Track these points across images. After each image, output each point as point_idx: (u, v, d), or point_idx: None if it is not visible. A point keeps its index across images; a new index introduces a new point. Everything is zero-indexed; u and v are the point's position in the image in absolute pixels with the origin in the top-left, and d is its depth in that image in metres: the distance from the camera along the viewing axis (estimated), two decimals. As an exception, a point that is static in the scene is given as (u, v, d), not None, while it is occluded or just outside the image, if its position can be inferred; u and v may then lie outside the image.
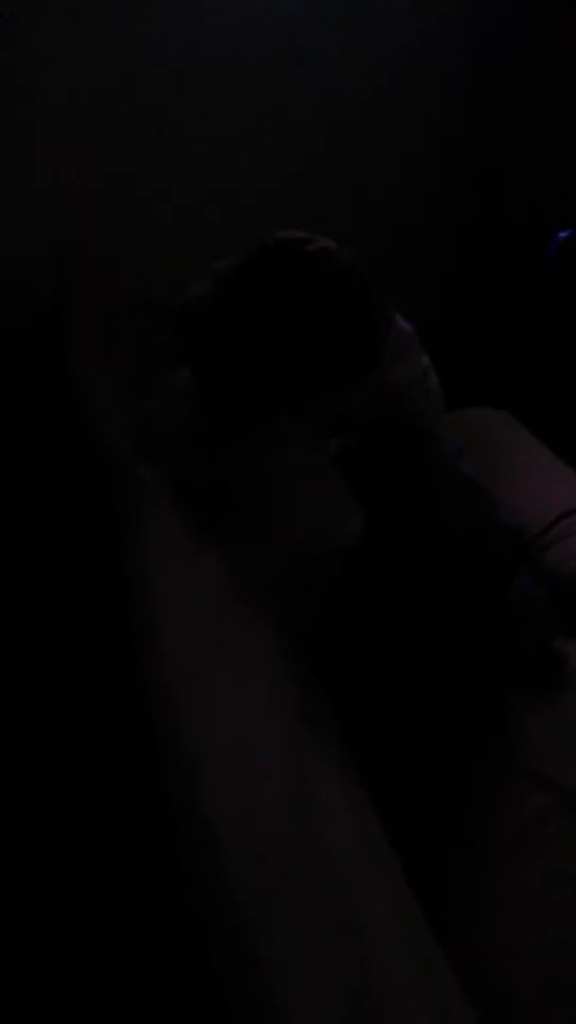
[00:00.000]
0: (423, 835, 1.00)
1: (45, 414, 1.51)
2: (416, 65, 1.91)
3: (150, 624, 1.05)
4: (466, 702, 1.14)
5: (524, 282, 2.10)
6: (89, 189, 1.62)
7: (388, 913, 0.84)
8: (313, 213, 1.31)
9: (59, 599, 1.55)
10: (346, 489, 1.17)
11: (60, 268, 1.56)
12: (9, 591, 1.62)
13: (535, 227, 1.91)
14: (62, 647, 1.53)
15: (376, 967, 0.77)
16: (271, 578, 1.14)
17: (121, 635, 1.09)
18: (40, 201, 1.59)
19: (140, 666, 1.03)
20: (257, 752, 0.93)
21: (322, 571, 1.13)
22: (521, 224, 2.13)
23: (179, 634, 1.03)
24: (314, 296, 1.06)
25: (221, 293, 1.15)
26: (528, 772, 1.10)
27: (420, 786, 1.07)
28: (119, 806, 1.28)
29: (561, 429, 1.70)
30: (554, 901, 0.98)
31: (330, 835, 0.87)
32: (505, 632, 1.12)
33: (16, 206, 1.56)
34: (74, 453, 1.37)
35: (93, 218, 1.63)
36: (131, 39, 1.56)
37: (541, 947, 0.94)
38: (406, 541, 1.14)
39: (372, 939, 0.79)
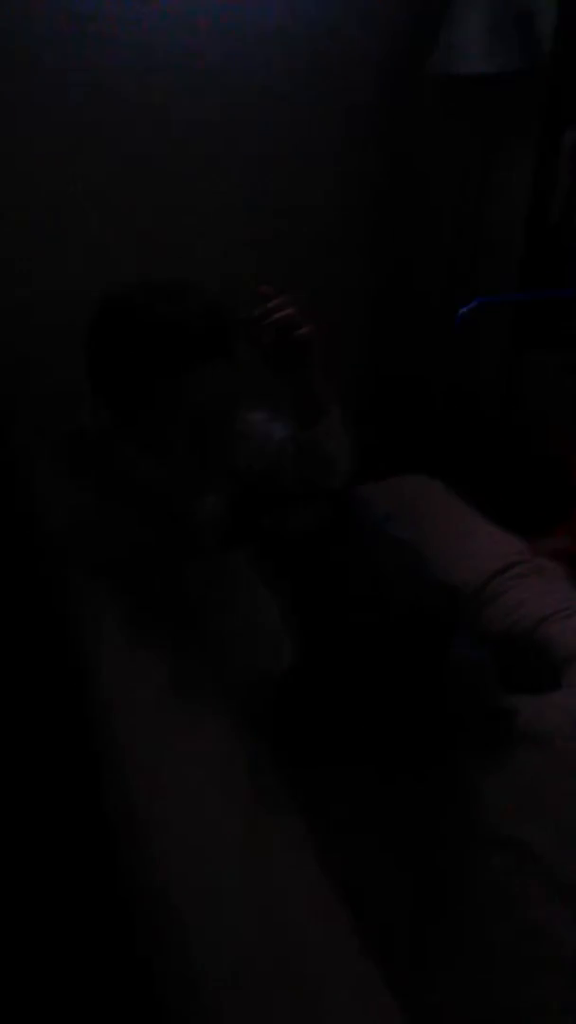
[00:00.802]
0: (390, 902, 0.99)
1: None
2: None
3: (103, 706, 1.05)
4: (418, 764, 1.14)
5: (434, 345, 2.29)
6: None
7: (352, 998, 0.82)
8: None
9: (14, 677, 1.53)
10: (275, 617, 1.18)
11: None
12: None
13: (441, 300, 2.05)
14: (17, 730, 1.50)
15: None
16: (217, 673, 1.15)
17: (76, 722, 1.09)
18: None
19: (93, 743, 1.02)
20: (215, 843, 0.92)
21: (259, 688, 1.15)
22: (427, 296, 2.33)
23: (132, 721, 1.03)
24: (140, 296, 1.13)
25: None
26: (488, 832, 1.10)
27: (383, 851, 1.06)
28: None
29: (478, 488, 1.77)
30: (529, 956, 0.97)
31: (291, 919, 0.86)
32: (447, 692, 1.13)
33: None
34: (24, 537, 1.38)
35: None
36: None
37: (520, 1006, 0.93)
38: (342, 604, 1.16)
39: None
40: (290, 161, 2.08)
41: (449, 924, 1.01)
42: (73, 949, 1.28)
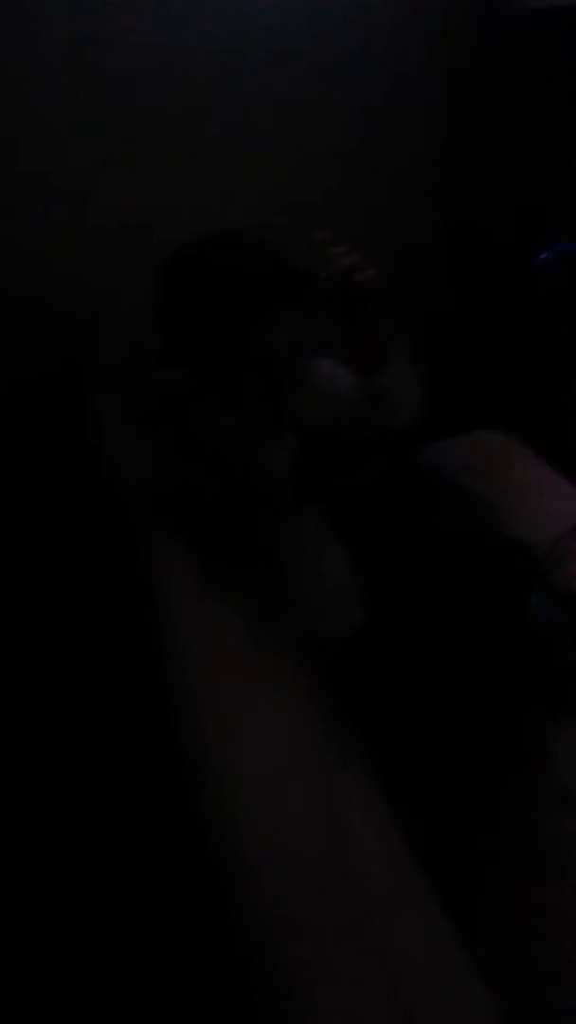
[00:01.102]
0: (455, 856, 0.99)
1: (67, 463, 1.56)
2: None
3: (177, 661, 1.07)
4: (492, 723, 1.13)
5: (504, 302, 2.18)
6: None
7: (426, 947, 0.83)
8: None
9: (85, 640, 1.57)
10: (348, 572, 1.18)
11: (76, 324, 1.61)
12: (36, 633, 1.65)
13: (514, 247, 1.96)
14: (88, 689, 1.55)
15: (416, 999, 0.78)
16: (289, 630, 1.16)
17: (146, 673, 1.11)
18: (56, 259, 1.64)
19: (167, 703, 1.04)
20: (289, 791, 0.93)
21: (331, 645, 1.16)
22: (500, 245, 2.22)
23: (206, 672, 1.05)
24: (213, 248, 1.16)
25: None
26: (557, 792, 1.09)
27: (452, 807, 1.06)
28: (152, 852, 1.29)
29: (556, 447, 1.72)
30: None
31: (366, 870, 0.87)
32: (524, 650, 1.12)
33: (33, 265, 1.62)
34: (95, 499, 1.41)
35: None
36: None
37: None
38: (418, 565, 1.15)
39: (412, 973, 0.79)
40: (360, 100, 2.01)
41: (513, 876, 1.01)
42: (147, 902, 1.31)
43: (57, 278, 1.74)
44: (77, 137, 1.70)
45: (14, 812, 1.46)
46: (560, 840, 1.04)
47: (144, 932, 1.28)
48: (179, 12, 1.68)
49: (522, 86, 2.06)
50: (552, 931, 0.96)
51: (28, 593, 1.71)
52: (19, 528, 1.76)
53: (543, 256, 1.81)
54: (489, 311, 2.33)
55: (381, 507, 1.28)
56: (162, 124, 1.77)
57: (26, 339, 1.72)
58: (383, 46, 1.94)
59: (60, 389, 1.63)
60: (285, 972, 0.79)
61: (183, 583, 1.20)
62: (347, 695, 1.12)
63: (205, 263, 1.16)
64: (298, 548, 1.18)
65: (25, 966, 1.27)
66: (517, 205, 2.17)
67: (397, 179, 2.15)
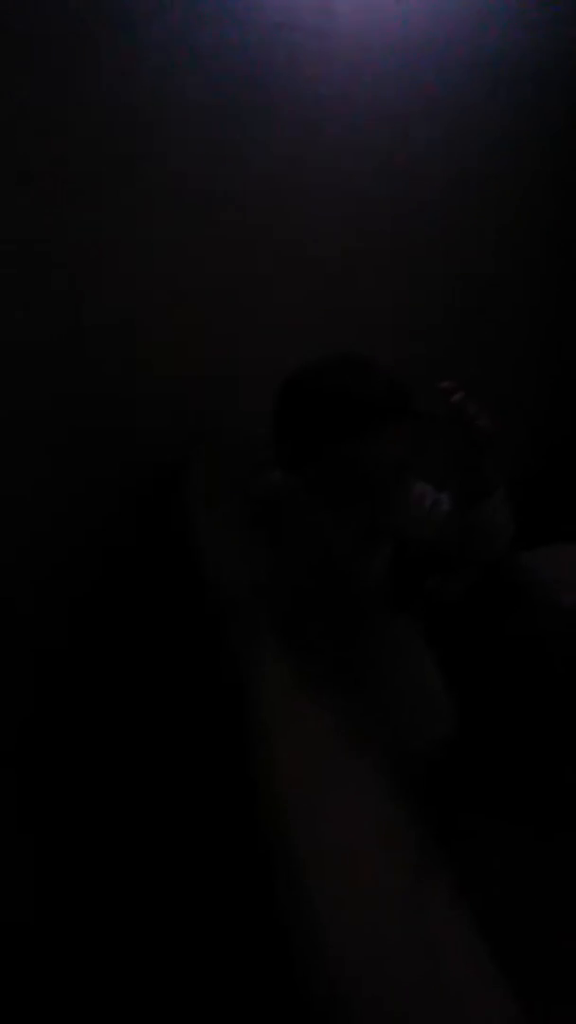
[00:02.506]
0: (542, 961, 0.98)
1: (165, 567, 1.63)
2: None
3: (267, 761, 1.09)
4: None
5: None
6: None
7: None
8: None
9: (182, 736, 1.62)
10: (440, 682, 1.21)
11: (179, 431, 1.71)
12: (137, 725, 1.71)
13: None
14: (185, 782, 1.58)
15: None
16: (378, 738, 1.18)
17: (238, 774, 1.14)
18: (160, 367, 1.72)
19: (257, 804, 1.06)
20: (375, 897, 0.94)
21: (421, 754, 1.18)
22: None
23: (293, 772, 1.07)
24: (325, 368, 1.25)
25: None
26: None
27: (538, 908, 1.05)
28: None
29: None
30: None
31: (452, 977, 0.86)
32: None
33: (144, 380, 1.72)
34: (193, 602, 1.47)
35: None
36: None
37: None
38: (505, 675, 1.17)
39: None
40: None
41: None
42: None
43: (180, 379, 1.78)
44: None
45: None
46: None
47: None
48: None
49: None
50: None
51: (127, 703, 1.76)
52: (120, 630, 1.82)
53: None
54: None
55: (471, 615, 1.31)
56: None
57: (144, 442, 1.79)
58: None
59: (164, 495, 1.70)
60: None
61: (275, 686, 1.23)
62: (437, 803, 1.13)
63: (321, 381, 1.25)
64: (391, 655, 1.22)
65: None
66: None
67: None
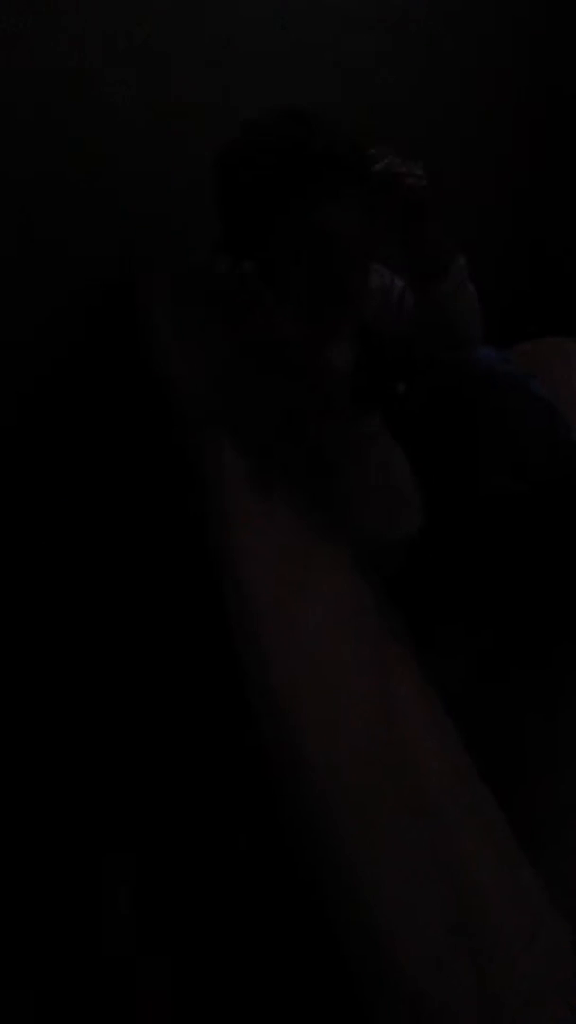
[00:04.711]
0: (509, 757, 1.01)
1: (122, 379, 1.54)
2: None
3: (229, 552, 1.07)
4: (549, 635, 1.13)
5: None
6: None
7: (481, 838, 0.85)
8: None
9: (145, 547, 1.60)
10: (410, 476, 1.16)
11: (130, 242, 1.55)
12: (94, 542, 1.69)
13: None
14: (148, 589, 1.58)
15: (472, 888, 0.81)
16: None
17: (203, 573, 1.12)
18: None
19: (223, 595, 1.05)
20: (345, 676, 0.94)
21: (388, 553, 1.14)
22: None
23: (260, 562, 1.05)
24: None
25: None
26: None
27: (509, 717, 1.07)
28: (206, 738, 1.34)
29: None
30: None
31: (420, 758, 0.89)
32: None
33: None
34: (151, 413, 1.39)
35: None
36: None
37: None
38: (475, 466, 1.13)
39: (467, 862, 0.82)
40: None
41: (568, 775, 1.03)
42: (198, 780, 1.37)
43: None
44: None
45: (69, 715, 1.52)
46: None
47: (194, 810, 1.34)
48: None
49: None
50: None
51: (86, 515, 1.72)
52: (76, 443, 1.75)
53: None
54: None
55: (441, 411, 1.24)
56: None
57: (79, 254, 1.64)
58: None
59: (113, 301, 1.57)
60: (337, 846, 0.82)
61: (238, 487, 1.18)
62: (403, 598, 1.12)
63: (265, 134, 1.12)
64: (359, 452, 1.16)
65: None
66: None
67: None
